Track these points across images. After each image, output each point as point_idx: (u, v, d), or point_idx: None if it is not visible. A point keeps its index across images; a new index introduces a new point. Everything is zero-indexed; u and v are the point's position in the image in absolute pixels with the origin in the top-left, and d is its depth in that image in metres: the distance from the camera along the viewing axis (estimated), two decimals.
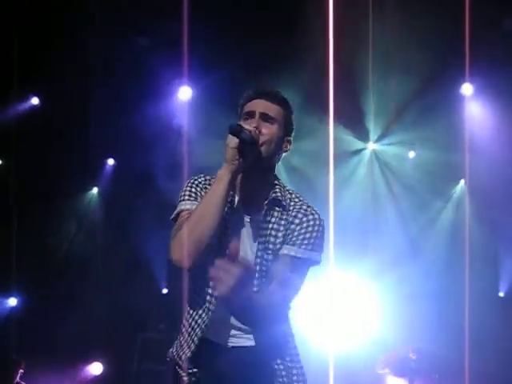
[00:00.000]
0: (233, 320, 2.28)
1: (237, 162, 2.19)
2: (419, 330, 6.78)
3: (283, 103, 2.33)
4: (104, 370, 8.55)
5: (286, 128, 2.34)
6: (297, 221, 2.31)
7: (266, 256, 2.27)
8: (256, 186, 2.32)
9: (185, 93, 7.42)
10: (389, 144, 7.97)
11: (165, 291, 8.74)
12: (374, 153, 8.08)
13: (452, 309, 6.71)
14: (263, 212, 2.30)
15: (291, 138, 2.38)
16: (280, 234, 2.29)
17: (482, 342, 6.60)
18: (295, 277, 2.27)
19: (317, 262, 2.35)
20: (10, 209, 7.04)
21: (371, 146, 8.01)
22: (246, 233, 2.29)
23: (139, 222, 7.94)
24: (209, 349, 2.31)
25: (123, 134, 7.77)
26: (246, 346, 2.30)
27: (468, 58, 5.72)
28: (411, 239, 7.86)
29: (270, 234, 2.29)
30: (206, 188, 2.32)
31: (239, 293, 1.90)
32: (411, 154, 8.01)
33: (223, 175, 2.19)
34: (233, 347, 2.30)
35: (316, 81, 5.82)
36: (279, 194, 2.32)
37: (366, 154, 8.08)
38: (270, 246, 2.28)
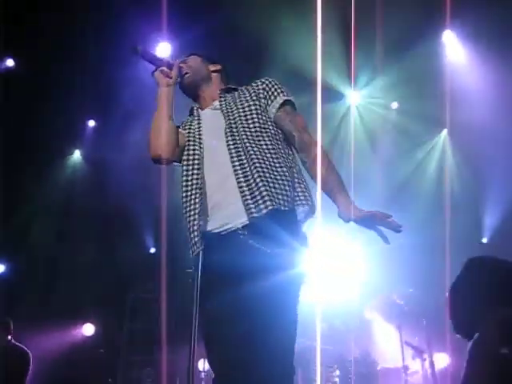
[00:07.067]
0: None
1: (163, 80, 2.78)
2: (405, 278, 6.86)
3: (196, 53, 2.96)
4: (95, 331, 8.63)
5: (205, 60, 2.92)
6: (257, 89, 2.72)
7: (234, 131, 2.61)
8: (206, 95, 2.83)
9: (164, 49, 7.28)
10: (372, 95, 7.95)
11: (153, 250, 8.76)
12: (358, 103, 8.07)
13: (436, 257, 6.77)
14: (218, 100, 2.75)
15: (214, 64, 2.92)
16: (240, 107, 2.67)
17: None
18: (298, 116, 2.71)
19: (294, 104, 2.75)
20: None
21: (354, 95, 7.98)
22: (210, 122, 2.70)
23: (124, 183, 7.89)
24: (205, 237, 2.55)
25: (103, 95, 7.66)
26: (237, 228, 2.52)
27: (449, 5, 5.68)
28: (395, 190, 7.89)
29: (230, 111, 2.67)
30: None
31: None
32: (394, 105, 8.01)
33: (158, 92, 2.79)
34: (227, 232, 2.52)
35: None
36: (232, 87, 2.80)
37: (350, 103, 8.06)
38: (236, 120, 2.63)
